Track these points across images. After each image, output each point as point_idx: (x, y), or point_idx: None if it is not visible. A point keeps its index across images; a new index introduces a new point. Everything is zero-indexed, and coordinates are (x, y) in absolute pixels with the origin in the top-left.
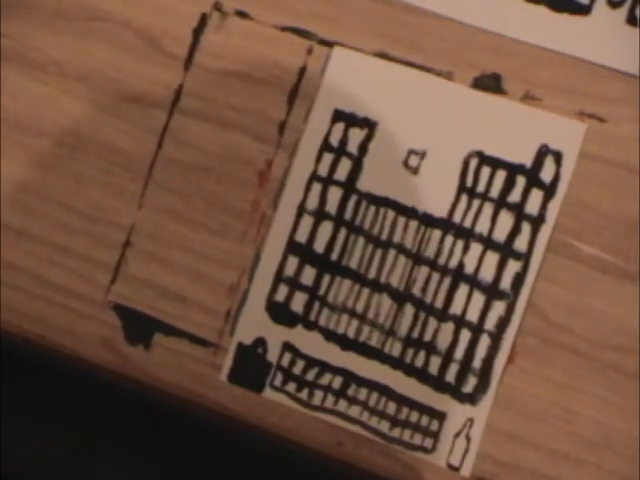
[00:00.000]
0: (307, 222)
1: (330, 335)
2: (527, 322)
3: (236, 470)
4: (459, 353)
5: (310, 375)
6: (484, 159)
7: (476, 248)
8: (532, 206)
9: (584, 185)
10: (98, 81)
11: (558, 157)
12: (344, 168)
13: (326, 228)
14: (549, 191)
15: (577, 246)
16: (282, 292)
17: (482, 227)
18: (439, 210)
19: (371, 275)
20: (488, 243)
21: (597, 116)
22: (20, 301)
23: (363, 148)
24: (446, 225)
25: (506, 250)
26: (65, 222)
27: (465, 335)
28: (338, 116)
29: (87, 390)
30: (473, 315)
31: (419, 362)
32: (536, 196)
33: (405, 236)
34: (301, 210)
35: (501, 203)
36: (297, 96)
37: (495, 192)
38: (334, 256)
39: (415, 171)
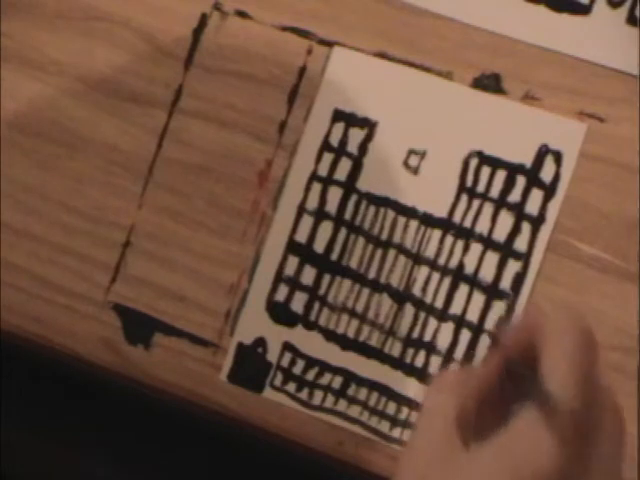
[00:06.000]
0: (307, 222)
1: (330, 335)
2: None
3: (236, 470)
4: (459, 353)
5: (310, 375)
6: (484, 159)
7: (476, 248)
8: (532, 206)
9: (584, 185)
10: (98, 81)
11: (558, 157)
12: (344, 168)
13: (326, 228)
14: (549, 191)
15: (577, 246)
16: (282, 292)
17: (482, 227)
18: (439, 210)
19: (371, 275)
20: (488, 243)
21: (597, 116)
22: (20, 301)
23: (363, 148)
24: (446, 225)
25: (506, 250)
26: (65, 222)
27: (465, 335)
28: (338, 116)
29: (87, 390)
30: (473, 315)
31: (419, 362)
32: (536, 196)
33: (405, 236)
34: (301, 210)
35: (501, 203)
36: (297, 96)
37: (495, 192)
38: (334, 256)
39: (415, 171)
